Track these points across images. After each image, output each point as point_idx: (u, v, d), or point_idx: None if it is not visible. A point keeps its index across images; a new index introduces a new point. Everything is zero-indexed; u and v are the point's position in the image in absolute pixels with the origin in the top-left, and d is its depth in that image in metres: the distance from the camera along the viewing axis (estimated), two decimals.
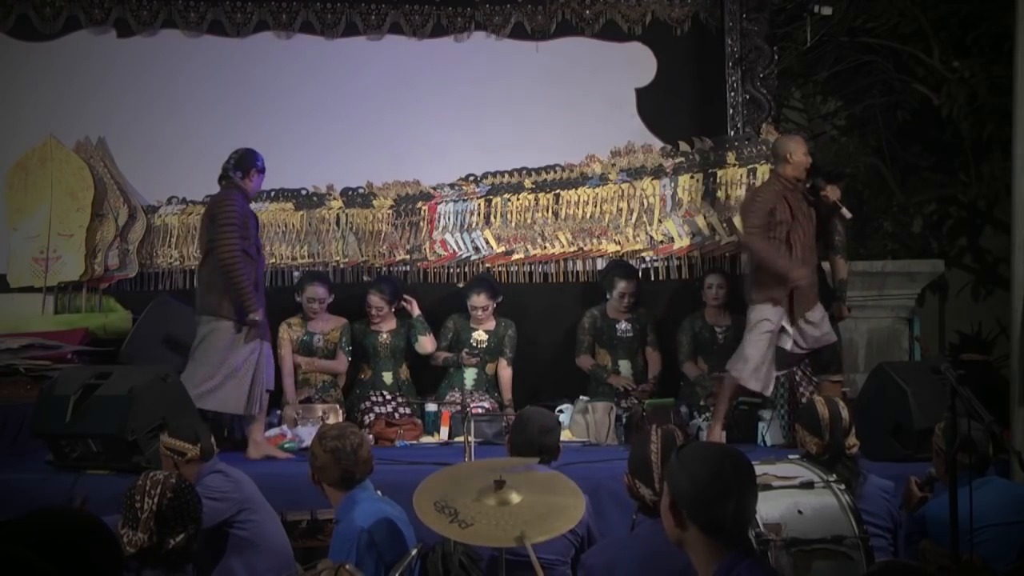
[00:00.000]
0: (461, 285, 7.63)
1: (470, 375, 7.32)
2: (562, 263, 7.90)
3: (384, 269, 7.82)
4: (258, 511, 4.61)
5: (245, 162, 6.28)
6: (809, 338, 6.37)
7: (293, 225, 7.87)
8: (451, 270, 7.89)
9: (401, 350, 7.37)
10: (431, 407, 7.08)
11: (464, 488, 3.62)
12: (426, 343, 7.32)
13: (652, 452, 3.55)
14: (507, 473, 3.61)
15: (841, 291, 6.51)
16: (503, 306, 7.48)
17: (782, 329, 6.29)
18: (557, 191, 7.94)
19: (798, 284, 6.21)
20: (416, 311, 7.32)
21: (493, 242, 7.87)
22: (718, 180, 7.85)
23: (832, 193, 6.41)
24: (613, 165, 7.99)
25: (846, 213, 6.39)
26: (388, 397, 7.11)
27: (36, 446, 6.05)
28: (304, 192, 7.94)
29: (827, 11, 7.78)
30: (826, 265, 6.75)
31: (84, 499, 4.76)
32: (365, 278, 7.75)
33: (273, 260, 7.78)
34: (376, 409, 6.96)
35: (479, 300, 7.31)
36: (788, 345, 6.32)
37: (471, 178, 7.98)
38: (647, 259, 7.85)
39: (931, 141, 9.29)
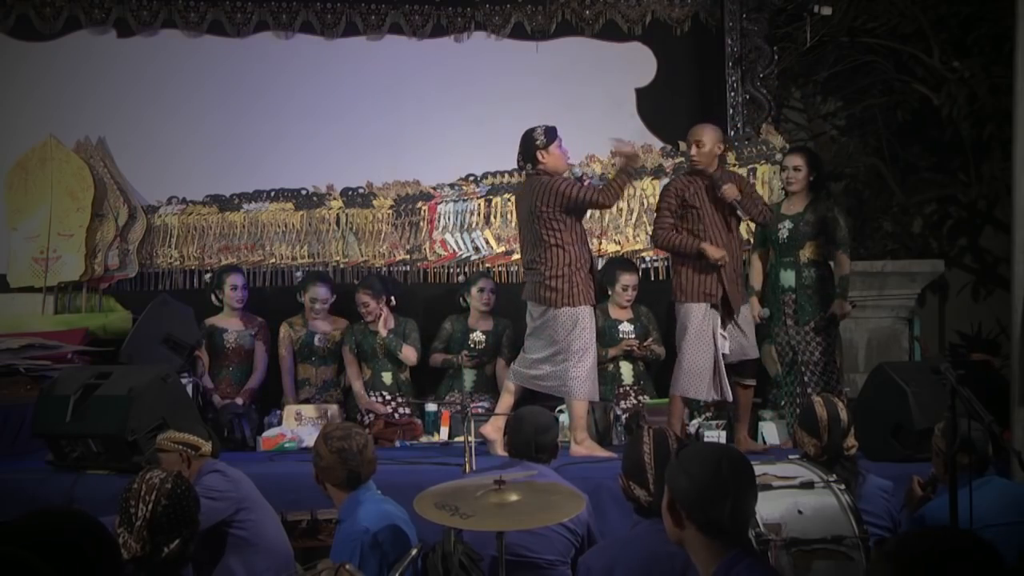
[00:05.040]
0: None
1: (470, 377, 7.28)
2: None
3: (384, 269, 7.80)
4: (256, 510, 4.60)
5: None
6: (736, 345, 6.15)
7: (293, 225, 7.87)
8: (451, 270, 7.88)
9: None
10: (431, 407, 7.06)
11: (465, 492, 3.69)
12: (409, 354, 7.12)
13: (645, 453, 3.55)
14: (507, 475, 3.66)
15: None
16: (503, 306, 7.46)
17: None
18: None
19: (721, 263, 6.00)
20: (391, 324, 7.13)
21: (493, 242, 7.86)
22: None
23: (729, 192, 6.09)
24: (613, 165, 7.97)
25: (741, 214, 6.14)
26: (388, 397, 7.10)
27: (36, 446, 6.04)
28: (304, 192, 7.94)
29: (827, 11, 7.78)
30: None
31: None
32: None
33: (273, 260, 7.79)
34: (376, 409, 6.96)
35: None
36: (726, 349, 6.07)
37: (471, 178, 7.97)
38: (647, 259, 7.83)
39: (931, 141, 9.29)
